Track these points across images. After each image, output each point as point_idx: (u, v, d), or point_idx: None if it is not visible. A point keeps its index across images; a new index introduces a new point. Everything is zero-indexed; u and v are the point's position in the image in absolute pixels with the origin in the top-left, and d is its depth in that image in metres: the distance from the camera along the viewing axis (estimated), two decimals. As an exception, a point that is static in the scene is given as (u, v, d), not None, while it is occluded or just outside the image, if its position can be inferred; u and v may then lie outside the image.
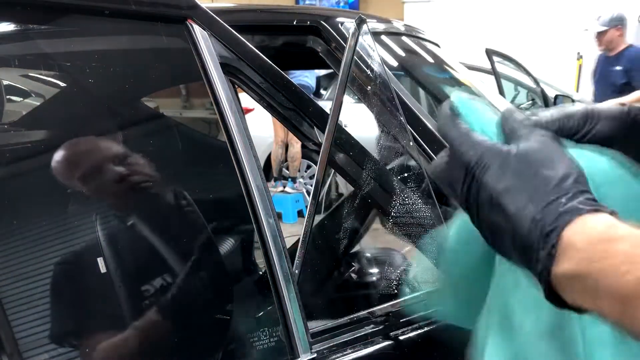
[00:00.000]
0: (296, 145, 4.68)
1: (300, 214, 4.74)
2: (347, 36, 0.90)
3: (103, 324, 0.77)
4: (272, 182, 4.86)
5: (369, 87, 1.03)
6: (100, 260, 0.75)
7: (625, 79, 3.80)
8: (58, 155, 0.79)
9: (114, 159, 0.85)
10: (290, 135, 4.49)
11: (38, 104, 0.92)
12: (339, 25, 1.14)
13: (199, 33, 0.82)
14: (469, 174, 0.42)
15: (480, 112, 0.46)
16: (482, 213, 0.42)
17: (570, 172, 0.39)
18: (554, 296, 0.38)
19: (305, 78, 4.70)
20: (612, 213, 0.38)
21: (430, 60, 1.55)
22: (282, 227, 0.84)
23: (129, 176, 0.85)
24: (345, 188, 3.75)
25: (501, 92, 3.77)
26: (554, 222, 0.38)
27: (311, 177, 4.90)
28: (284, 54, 1.25)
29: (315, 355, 0.73)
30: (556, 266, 0.38)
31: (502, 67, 4.02)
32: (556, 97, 4.36)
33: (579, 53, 7.71)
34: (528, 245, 0.39)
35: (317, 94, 5.11)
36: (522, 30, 7.61)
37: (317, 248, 1.26)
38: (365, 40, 1.05)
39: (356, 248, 1.37)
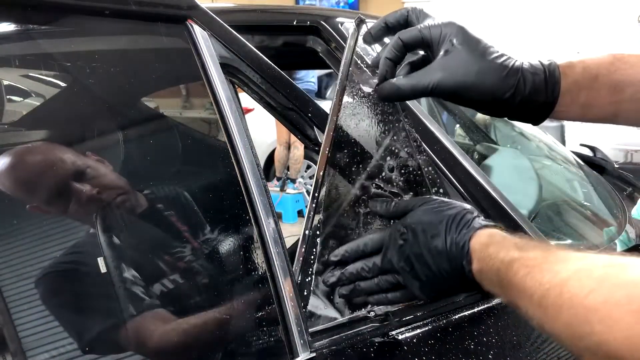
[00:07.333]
0: (300, 148, 4.68)
1: (300, 214, 4.74)
2: (347, 36, 0.90)
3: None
4: (276, 182, 4.87)
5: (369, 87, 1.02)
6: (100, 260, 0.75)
7: None
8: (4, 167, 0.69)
9: (75, 174, 0.73)
10: (294, 137, 4.50)
11: (38, 104, 0.92)
12: (339, 25, 1.14)
13: (199, 33, 0.83)
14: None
15: None
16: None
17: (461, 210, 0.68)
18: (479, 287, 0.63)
19: (310, 82, 4.71)
20: (494, 226, 0.64)
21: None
22: (282, 227, 0.84)
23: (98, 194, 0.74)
24: (345, 188, 3.74)
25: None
26: (464, 237, 0.64)
27: (311, 177, 4.90)
28: (284, 54, 1.25)
29: (314, 354, 0.73)
30: (472, 265, 0.62)
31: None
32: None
33: (578, 53, 7.71)
34: (453, 258, 0.64)
35: (319, 94, 5.11)
36: (522, 29, 7.61)
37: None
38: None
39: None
